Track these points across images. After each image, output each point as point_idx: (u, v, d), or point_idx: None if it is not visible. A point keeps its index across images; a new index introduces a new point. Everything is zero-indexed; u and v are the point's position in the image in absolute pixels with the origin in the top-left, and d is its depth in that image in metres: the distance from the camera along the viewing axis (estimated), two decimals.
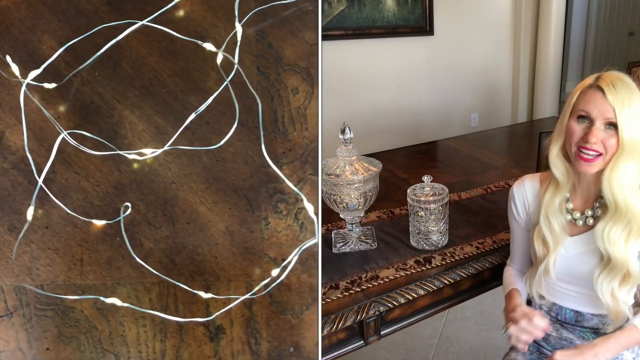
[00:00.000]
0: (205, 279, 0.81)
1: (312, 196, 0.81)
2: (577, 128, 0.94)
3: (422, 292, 1.13)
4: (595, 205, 1.00)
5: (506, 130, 2.91)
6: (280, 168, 0.80)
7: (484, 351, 2.03)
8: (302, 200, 0.80)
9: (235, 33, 0.77)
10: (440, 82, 3.62)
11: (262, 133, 0.80)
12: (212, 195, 0.80)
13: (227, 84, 0.78)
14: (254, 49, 0.79)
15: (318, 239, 0.87)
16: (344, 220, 1.32)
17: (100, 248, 0.80)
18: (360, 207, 1.24)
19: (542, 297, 1.10)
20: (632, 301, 1.03)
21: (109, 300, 0.80)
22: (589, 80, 0.95)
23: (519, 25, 3.84)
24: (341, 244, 1.29)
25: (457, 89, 3.70)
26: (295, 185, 0.80)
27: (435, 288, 1.15)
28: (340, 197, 1.21)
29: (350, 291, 1.11)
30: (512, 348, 1.22)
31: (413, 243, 1.27)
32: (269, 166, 0.80)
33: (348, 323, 1.04)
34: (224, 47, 0.78)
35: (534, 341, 1.17)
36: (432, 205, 1.21)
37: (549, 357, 0.97)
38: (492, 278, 1.28)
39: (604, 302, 0.98)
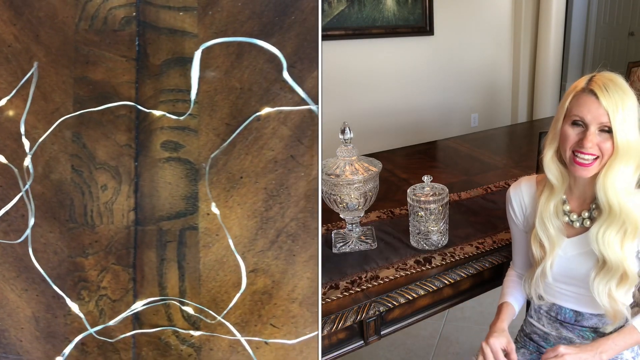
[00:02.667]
0: None
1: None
2: (572, 133, 0.93)
3: (422, 292, 1.13)
4: (592, 207, 1.00)
5: (506, 130, 2.91)
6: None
7: None
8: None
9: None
10: (440, 82, 3.62)
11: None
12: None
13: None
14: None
15: (318, 239, 0.88)
16: (344, 220, 1.32)
17: None
18: (360, 207, 1.24)
19: (541, 297, 1.10)
20: (631, 301, 1.03)
21: None
22: (582, 83, 0.94)
23: (519, 25, 3.84)
24: (341, 244, 1.29)
25: (457, 89, 3.71)
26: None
27: (435, 288, 1.15)
28: (340, 197, 1.21)
29: (350, 291, 1.11)
30: None
31: (413, 243, 1.27)
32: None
33: (348, 323, 1.04)
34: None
35: (534, 341, 1.17)
36: (432, 205, 1.21)
37: (552, 348, 0.97)
38: (492, 278, 1.28)
39: (600, 304, 0.98)
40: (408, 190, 1.25)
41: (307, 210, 0.92)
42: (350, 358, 1.15)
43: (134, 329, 0.89)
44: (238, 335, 0.90)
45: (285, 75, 0.93)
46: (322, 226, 1.09)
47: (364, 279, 1.15)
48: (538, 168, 1.44)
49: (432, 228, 1.24)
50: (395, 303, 1.10)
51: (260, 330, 0.92)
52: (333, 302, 1.08)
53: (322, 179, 1.09)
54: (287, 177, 0.93)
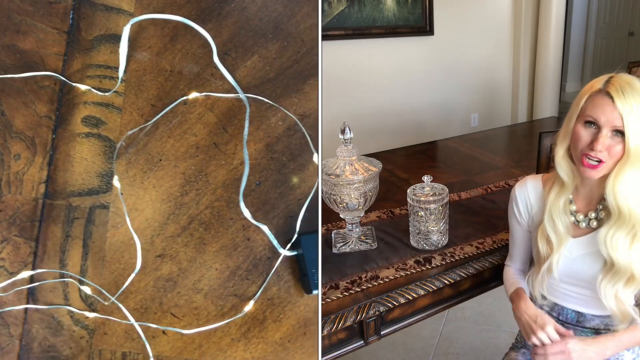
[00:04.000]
0: None
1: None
2: (584, 133, 0.93)
3: (422, 292, 1.13)
4: (599, 208, 1.00)
5: (506, 130, 2.92)
6: None
7: (484, 351, 2.03)
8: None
9: None
10: (440, 82, 3.62)
11: None
12: None
13: None
14: None
15: (318, 239, 0.88)
16: (344, 220, 1.32)
17: None
18: (360, 207, 1.24)
19: (544, 297, 1.10)
20: (633, 301, 1.03)
21: None
22: (599, 83, 0.93)
23: (519, 25, 3.84)
24: (341, 244, 1.29)
25: (457, 89, 3.70)
26: None
27: (435, 288, 1.15)
28: (340, 197, 1.21)
29: (350, 291, 1.11)
30: (512, 348, 1.22)
31: (413, 243, 1.27)
32: None
33: (348, 323, 1.04)
34: None
35: None
36: (432, 205, 1.21)
37: (560, 341, 0.98)
38: (492, 278, 1.28)
39: (607, 306, 0.97)
40: (408, 190, 1.25)
41: (224, 200, 0.91)
42: (350, 358, 1.15)
43: (27, 304, 0.87)
44: (132, 320, 0.87)
45: (217, 61, 0.92)
46: (322, 226, 1.09)
47: (364, 279, 1.15)
48: (538, 168, 1.44)
49: (432, 228, 1.24)
50: (395, 303, 1.10)
51: (159, 318, 0.89)
52: (333, 302, 1.08)
53: (322, 179, 1.09)
54: (208, 164, 0.92)
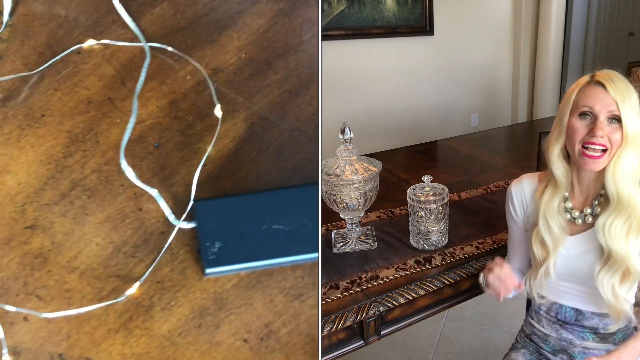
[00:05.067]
0: None
1: None
2: (580, 125, 0.94)
3: (422, 292, 1.13)
4: (594, 204, 1.00)
5: (506, 130, 2.91)
6: None
7: (484, 351, 2.03)
8: None
9: None
10: (440, 82, 3.62)
11: None
12: None
13: None
14: None
15: (318, 240, 0.87)
16: (344, 220, 1.32)
17: None
18: (360, 207, 1.24)
19: (542, 296, 1.10)
20: (633, 300, 1.03)
21: None
22: (585, 78, 0.96)
23: (519, 25, 3.84)
24: (341, 244, 1.29)
25: (457, 89, 3.71)
26: None
27: (435, 288, 1.15)
28: (340, 197, 1.21)
29: (350, 291, 1.11)
30: (512, 348, 1.22)
31: (413, 243, 1.27)
32: None
33: (348, 323, 1.04)
34: None
35: (533, 342, 1.17)
36: (432, 205, 1.21)
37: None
38: None
39: (605, 298, 0.98)
40: (408, 190, 1.25)
41: (115, 163, 0.79)
42: (350, 358, 1.15)
43: None
44: None
45: (118, 7, 0.83)
46: (322, 226, 1.09)
47: (364, 279, 1.15)
48: (538, 168, 1.44)
49: (432, 228, 1.24)
50: (395, 303, 1.10)
51: (21, 301, 0.74)
52: (333, 302, 1.08)
53: (322, 179, 1.09)
54: (100, 121, 0.80)
